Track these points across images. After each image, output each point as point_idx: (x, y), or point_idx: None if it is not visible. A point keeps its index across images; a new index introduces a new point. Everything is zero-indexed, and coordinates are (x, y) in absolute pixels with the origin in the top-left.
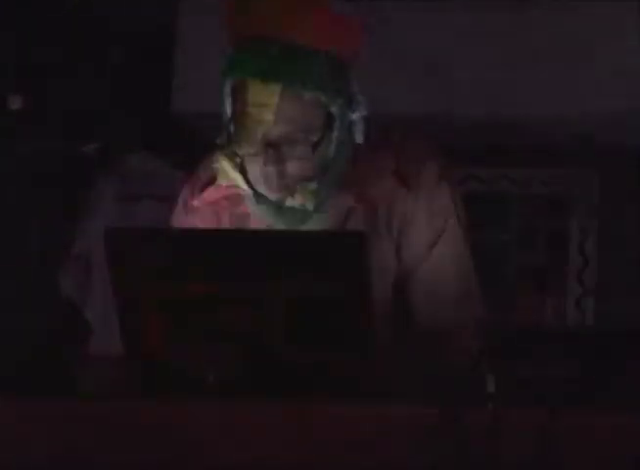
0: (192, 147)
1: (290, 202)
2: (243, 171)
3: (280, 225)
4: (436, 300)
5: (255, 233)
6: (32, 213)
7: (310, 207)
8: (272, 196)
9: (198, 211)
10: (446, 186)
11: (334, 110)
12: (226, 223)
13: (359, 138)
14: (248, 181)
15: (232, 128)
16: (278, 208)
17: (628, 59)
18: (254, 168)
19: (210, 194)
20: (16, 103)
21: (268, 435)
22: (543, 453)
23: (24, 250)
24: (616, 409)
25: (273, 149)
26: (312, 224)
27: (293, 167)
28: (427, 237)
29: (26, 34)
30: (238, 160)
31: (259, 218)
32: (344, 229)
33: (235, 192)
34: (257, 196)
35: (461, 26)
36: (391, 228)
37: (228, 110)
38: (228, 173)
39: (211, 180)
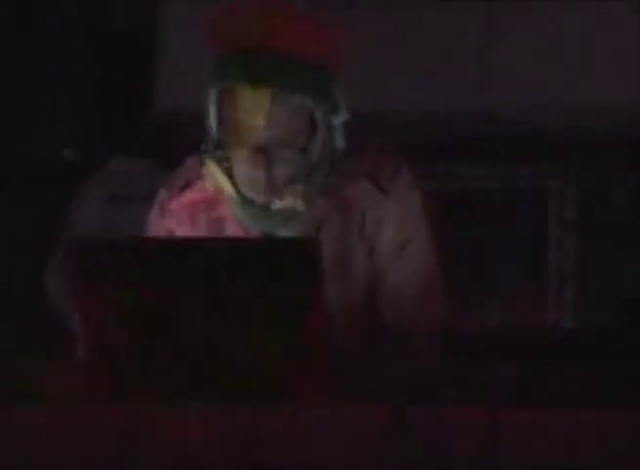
0: (173, 149)
1: (277, 205)
2: (230, 175)
3: (262, 228)
4: (403, 301)
5: (214, 241)
6: (17, 217)
7: (301, 207)
8: (259, 199)
9: (174, 214)
10: (418, 193)
11: (318, 115)
12: (202, 227)
13: (340, 143)
14: (234, 185)
15: (219, 134)
16: (263, 211)
17: (611, 50)
18: (242, 172)
19: (187, 197)
20: None
21: (221, 438)
22: (484, 453)
23: (9, 254)
24: (564, 408)
25: (262, 152)
26: (292, 227)
27: (280, 171)
28: (398, 240)
29: (6, 37)
30: (226, 164)
31: (241, 222)
32: (301, 236)
33: (212, 195)
34: (243, 200)
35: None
36: (365, 231)
37: (213, 116)
38: (216, 177)
39: (188, 184)
